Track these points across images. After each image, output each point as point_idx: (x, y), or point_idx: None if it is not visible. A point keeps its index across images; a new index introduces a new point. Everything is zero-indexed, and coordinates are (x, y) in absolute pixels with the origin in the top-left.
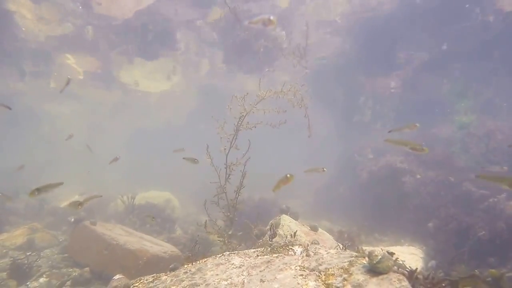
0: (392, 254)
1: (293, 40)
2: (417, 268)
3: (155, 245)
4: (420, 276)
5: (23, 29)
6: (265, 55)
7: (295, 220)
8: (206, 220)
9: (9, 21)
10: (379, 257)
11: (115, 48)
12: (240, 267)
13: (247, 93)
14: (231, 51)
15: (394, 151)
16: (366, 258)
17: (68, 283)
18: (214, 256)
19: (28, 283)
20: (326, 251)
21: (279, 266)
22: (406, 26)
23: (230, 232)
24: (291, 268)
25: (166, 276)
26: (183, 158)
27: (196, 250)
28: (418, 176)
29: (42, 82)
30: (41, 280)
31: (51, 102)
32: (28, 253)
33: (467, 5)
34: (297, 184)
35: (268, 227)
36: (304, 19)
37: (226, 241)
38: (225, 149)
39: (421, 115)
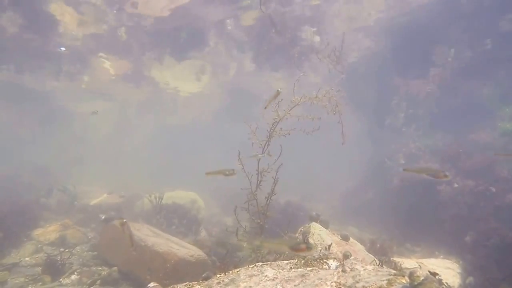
0: (435, 274)
1: (326, 42)
2: None
3: (182, 248)
4: None
5: (61, 31)
6: (299, 58)
7: (325, 228)
8: (237, 228)
9: (50, 23)
10: (421, 278)
11: (147, 49)
12: (273, 279)
13: (282, 99)
14: (262, 53)
15: (428, 157)
16: (406, 278)
17: (98, 282)
18: (247, 267)
19: (60, 279)
20: (363, 267)
21: (314, 281)
22: (445, 25)
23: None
24: (326, 284)
25: (199, 286)
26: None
27: (227, 259)
28: (456, 185)
29: (76, 82)
30: (73, 277)
31: (83, 101)
32: (61, 250)
33: None
34: (322, 187)
35: (297, 234)
36: (338, 20)
37: (255, 249)
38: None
39: (458, 120)
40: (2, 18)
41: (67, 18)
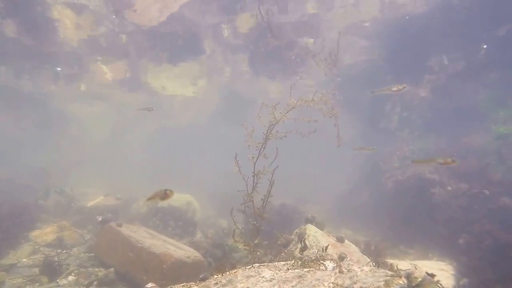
0: (433, 276)
1: (322, 45)
2: None
3: (178, 249)
4: None
5: (61, 36)
6: (295, 62)
7: (321, 230)
8: (234, 229)
9: (50, 28)
10: (419, 279)
11: (145, 54)
12: (271, 280)
13: (279, 102)
14: (258, 57)
15: None
16: (403, 279)
17: (95, 283)
18: (244, 268)
19: (58, 280)
20: (359, 268)
21: (311, 282)
22: (440, 30)
23: (256, 241)
24: (324, 284)
25: (196, 287)
26: None
27: (223, 261)
28: (449, 188)
29: (74, 85)
30: (70, 278)
31: (80, 104)
32: (58, 251)
33: None
34: (316, 189)
35: (293, 236)
36: (334, 26)
37: (252, 250)
38: (253, 157)
39: (451, 123)
40: (0, 23)
41: (65, 22)
